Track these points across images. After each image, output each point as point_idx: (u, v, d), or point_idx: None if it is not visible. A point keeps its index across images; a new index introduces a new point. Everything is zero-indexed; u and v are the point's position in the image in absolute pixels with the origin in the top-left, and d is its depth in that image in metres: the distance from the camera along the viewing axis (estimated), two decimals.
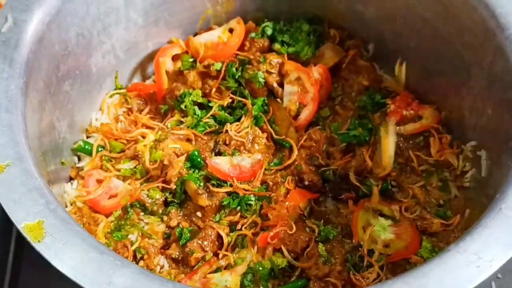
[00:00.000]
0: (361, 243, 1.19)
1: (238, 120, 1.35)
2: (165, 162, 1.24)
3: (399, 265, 1.19)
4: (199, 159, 1.25)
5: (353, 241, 1.21)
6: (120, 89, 1.42)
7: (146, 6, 1.33)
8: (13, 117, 0.99)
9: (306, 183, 1.27)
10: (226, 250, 1.19)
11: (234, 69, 1.37)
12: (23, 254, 1.33)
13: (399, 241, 1.21)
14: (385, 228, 1.22)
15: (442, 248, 1.21)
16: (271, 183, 1.26)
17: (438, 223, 1.23)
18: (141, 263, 1.18)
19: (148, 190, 1.24)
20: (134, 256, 1.19)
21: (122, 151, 1.32)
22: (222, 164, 1.25)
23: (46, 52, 1.13)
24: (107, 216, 1.24)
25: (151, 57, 1.45)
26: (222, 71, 1.37)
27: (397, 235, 1.22)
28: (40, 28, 1.10)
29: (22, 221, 0.88)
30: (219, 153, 1.29)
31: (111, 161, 1.30)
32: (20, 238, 1.31)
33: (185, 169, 1.24)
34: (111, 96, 1.41)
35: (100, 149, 1.31)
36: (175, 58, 1.44)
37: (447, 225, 1.25)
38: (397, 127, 1.36)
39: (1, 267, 1.30)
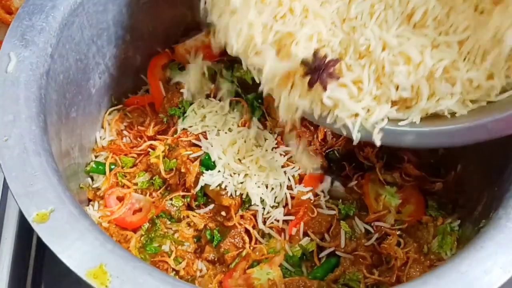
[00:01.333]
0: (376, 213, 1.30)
1: None
2: (182, 170, 1.28)
3: (412, 226, 1.30)
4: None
5: (369, 213, 1.31)
6: (116, 105, 1.44)
7: (131, 23, 1.35)
8: (42, 158, 0.98)
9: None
10: (255, 243, 1.26)
11: (225, 70, 1.42)
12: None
13: (408, 206, 1.32)
14: (393, 195, 1.33)
15: (445, 203, 1.34)
16: None
17: (440, 184, 1.35)
18: (182, 272, 1.22)
19: (171, 199, 1.28)
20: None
21: (134, 165, 1.35)
22: None
23: (54, 84, 1.13)
24: (135, 231, 1.28)
25: (140, 69, 1.48)
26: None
27: (404, 199, 1.32)
28: (45, 61, 1.10)
29: (84, 269, 0.86)
30: None
31: (125, 176, 1.33)
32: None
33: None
34: (110, 114, 1.43)
35: (112, 166, 1.34)
36: (162, 67, 1.47)
37: (444, 182, 1.37)
38: None
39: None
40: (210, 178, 1.25)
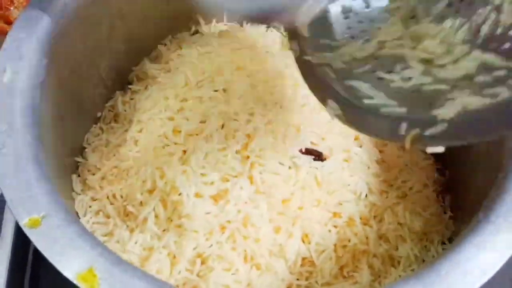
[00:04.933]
0: None
1: None
2: None
3: None
4: None
5: None
6: None
7: (125, 35, 1.39)
8: (36, 166, 1.01)
9: None
10: None
11: None
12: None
13: None
14: None
15: None
16: None
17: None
18: None
19: None
20: None
21: None
22: None
23: (49, 95, 1.15)
24: None
25: None
26: None
27: None
28: (40, 73, 1.12)
29: (74, 273, 0.89)
30: None
31: None
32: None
33: None
34: None
35: None
36: None
37: None
38: None
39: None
40: None
